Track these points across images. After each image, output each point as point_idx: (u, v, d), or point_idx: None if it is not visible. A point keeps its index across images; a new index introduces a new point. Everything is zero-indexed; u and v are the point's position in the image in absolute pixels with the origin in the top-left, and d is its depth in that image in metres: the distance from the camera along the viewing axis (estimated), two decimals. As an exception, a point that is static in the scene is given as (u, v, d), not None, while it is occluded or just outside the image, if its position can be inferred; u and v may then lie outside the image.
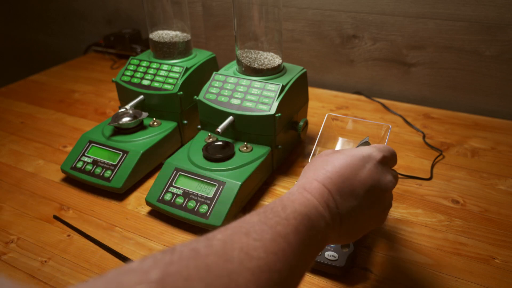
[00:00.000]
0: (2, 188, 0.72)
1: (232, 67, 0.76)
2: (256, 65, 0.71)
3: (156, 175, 0.71)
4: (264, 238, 0.30)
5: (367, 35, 0.99)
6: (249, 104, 0.68)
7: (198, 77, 0.79)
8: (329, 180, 0.39)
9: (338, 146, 0.69)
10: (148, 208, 0.66)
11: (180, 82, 0.76)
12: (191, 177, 0.63)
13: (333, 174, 0.40)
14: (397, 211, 0.64)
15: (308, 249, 0.34)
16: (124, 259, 0.56)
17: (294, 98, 0.73)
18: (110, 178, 0.68)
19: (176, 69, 0.78)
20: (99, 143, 0.72)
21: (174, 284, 0.25)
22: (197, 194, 0.61)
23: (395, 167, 0.74)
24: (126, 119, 0.74)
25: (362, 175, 0.41)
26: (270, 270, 0.29)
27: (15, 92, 1.10)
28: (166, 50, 0.80)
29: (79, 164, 0.71)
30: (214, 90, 0.72)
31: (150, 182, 0.72)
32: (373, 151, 0.44)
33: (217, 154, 0.65)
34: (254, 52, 0.72)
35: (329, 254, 0.52)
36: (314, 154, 0.65)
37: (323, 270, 0.53)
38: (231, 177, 0.62)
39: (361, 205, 0.40)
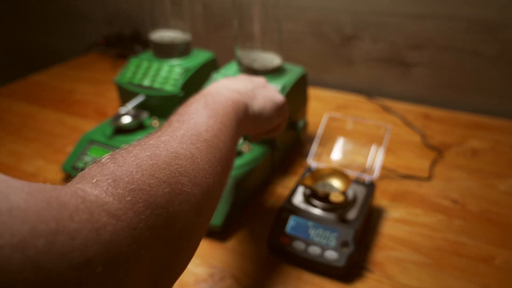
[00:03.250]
0: (2, 188, 0.72)
1: (232, 67, 0.76)
2: (256, 65, 0.71)
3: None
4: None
5: (367, 35, 0.99)
6: (249, 104, 0.68)
7: (199, 78, 0.79)
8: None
9: (337, 146, 0.69)
10: (148, 208, 0.66)
11: (181, 82, 0.76)
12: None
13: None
14: (396, 211, 0.64)
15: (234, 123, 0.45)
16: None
17: (294, 98, 0.73)
18: (110, 178, 0.68)
19: (176, 69, 0.78)
20: (100, 143, 0.72)
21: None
22: (197, 194, 0.62)
23: (396, 168, 0.74)
24: (126, 119, 0.74)
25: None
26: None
27: (15, 92, 1.10)
28: (167, 51, 0.80)
29: (80, 164, 0.71)
30: (214, 90, 0.72)
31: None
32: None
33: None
34: (254, 53, 0.72)
35: (329, 254, 0.52)
36: (314, 154, 0.65)
37: (323, 270, 0.53)
38: (231, 177, 0.62)
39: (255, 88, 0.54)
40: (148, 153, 0.31)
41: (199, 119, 0.40)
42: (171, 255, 0.30)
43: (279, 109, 0.55)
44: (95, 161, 0.31)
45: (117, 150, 0.33)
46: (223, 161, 0.39)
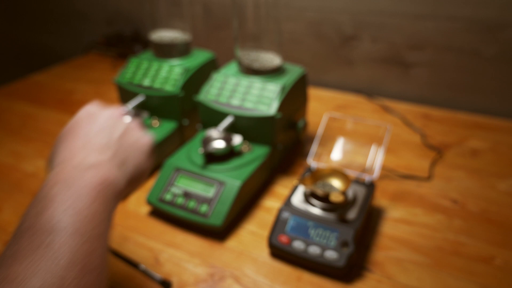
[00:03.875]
0: (2, 188, 0.72)
1: (232, 67, 0.76)
2: (256, 65, 0.71)
3: (156, 175, 0.71)
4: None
5: (366, 35, 0.99)
6: (249, 104, 0.68)
7: (199, 78, 0.79)
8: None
9: (337, 146, 0.69)
10: (148, 208, 0.66)
11: (181, 83, 0.76)
12: (191, 177, 0.64)
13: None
14: (396, 211, 0.64)
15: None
16: (124, 258, 0.56)
17: (294, 98, 0.73)
18: (110, 178, 0.68)
19: (176, 69, 0.78)
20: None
21: None
22: (197, 194, 0.62)
23: (395, 168, 0.74)
24: (126, 119, 0.74)
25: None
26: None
27: (15, 92, 1.10)
28: (167, 51, 0.80)
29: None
30: (214, 91, 0.72)
31: (150, 182, 0.72)
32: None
33: None
34: (254, 53, 0.72)
35: (329, 254, 0.52)
36: (314, 154, 0.65)
37: (323, 270, 0.53)
38: (231, 177, 0.62)
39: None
40: None
41: (58, 244, 0.29)
42: None
43: (150, 156, 0.46)
44: None
45: None
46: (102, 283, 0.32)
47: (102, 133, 0.42)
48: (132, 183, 0.42)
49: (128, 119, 0.46)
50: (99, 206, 0.34)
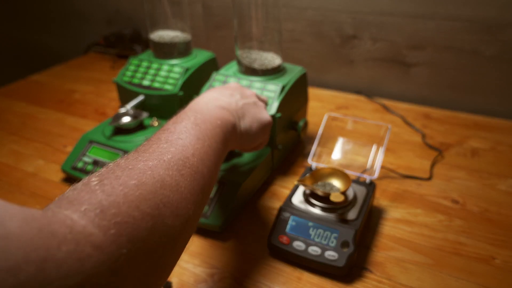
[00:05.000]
0: (2, 188, 0.72)
1: (232, 67, 0.76)
2: (256, 65, 0.71)
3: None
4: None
5: (367, 35, 0.99)
6: (249, 104, 0.68)
7: (199, 78, 0.79)
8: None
9: (338, 146, 0.69)
10: (148, 208, 0.66)
11: (180, 82, 0.76)
12: (191, 177, 0.63)
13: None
14: (396, 211, 0.64)
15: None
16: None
17: (294, 98, 0.73)
18: (110, 178, 0.68)
19: (176, 69, 0.78)
20: (100, 143, 0.72)
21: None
22: (197, 194, 0.61)
23: (396, 168, 0.74)
24: (126, 119, 0.74)
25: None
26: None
27: (15, 92, 1.10)
28: (167, 51, 0.80)
29: (80, 164, 0.71)
30: (214, 90, 0.72)
31: (150, 182, 0.72)
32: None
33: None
34: (254, 53, 0.72)
35: (329, 254, 0.52)
36: (314, 154, 0.65)
37: (323, 270, 0.53)
38: (231, 177, 0.62)
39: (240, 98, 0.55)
40: (135, 182, 0.32)
41: (187, 140, 0.40)
42: (148, 282, 0.31)
43: (264, 129, 0.56)
44: (83, 182, 0.31)
45: (106, 170, 0.33)
46: (206, 187, 0.40)
47: (234, 94, 0.54)
48: (243, 141, 0.53)
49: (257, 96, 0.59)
50: (218, 132, 0.45)
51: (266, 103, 0.61)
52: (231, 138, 0.49)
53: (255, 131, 0.54)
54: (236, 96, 0.54)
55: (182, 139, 0.40)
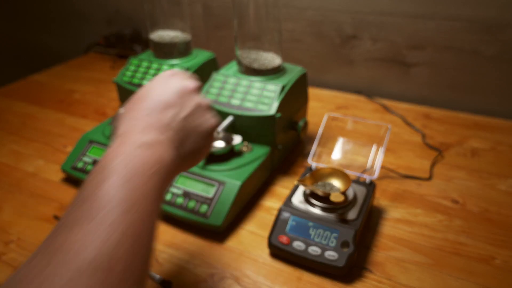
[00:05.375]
0: (2, 188, 0.72)
1: (232, 67, 0.76)
2: (256, 65, 0.71)
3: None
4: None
5: (367, 35, 0.99)
6: (249, 104, 0.68)
7: (199, 77, 0.79)
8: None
9: (337, 146, 0.69)
10: (148, 208, 0.66)
11: (180, 82, 0.76)
12: (191, 177, 0.63)
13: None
14: (396, 211, 0.64)
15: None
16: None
17: (294, 98, 0.73)
18: (110, 178, 0.68)
19: (176, 69, 0.78)
20: (100, 143, 0.72)
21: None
22: (197, 194, 0.62)
23: (396, 168, 0.74)
24: (126, 119, 0.74)
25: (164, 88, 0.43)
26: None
27: (15, 92, 1.10)
28: (167, 51, 0.80)
29: (80, 164, 0.71)
30: (214, 90, 0.72)
31: (150, 182, 0.72)
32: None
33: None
34: (254, 53, 0.72)
35: (329, 254, 0.52)
36: (314, 154, 0.65)
37: (323, 270, 0.53)
38: (231, 177, 0.62)
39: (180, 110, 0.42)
40: None
41: (113, 217, 0.30)
42: None
43: (210, 140, 0.45)
44: None
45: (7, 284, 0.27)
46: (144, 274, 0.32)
47: (169, 109, 0.41)
48: (187, 163, 0.43)
49: (201, 96, 0.45)
50: (153, 185, 0.35)
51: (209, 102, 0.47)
52: (171, 178, 0.39)
53: (199, 148, 0.43)
54: (174, 109, 0.41)
55: (104, 216, 0.30)
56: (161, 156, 0.37)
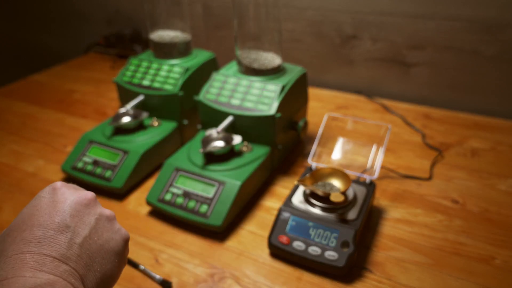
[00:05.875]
0: (2, 188, 0.72)
1: (232, 67, 0.76)
2: (256, 65, 0.71)
3: (156, 175, 0.71)
4: None
5: (367, 35, 0.99)
6: (249, 104, 0.68)
7: (199, 77, 0.79)
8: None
9: (338, 146, 0.69)
10: (148, 208, 0.66)
11: (180, 82, 0.76)
12: (191, 177, 0.63)
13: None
14: (396, 211, 0.64)
15: None
16: (124, 259, 0.56)
17: (294, 98, 0.73)
18: (111, 178, 0.68)
19: (176, 69, 0.78)
20: (100, 143, 0.72)
21: None
22: (197, 194, 0.62)
23: (396, 168, 0.74)
24: (126, 119, 0.74)
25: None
26: None
27: (15, 92, 1.10)
28: (167, 51, 0.80)
29: (80, 164, 0.71)
30: (214, 90, 0.72)
31: (151, 182, 0.72)
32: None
33: None
34: (254, 53, 0.72)
35: (329, 254, 0.52)
36: (314, 154, 0.65)
37: (323, 270, 0.53)
38: (231, 177, 0.62)
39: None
40: None
41: None
42: None
43: (123, 258, 0.36)
44: None
45: None
46: None
47: (64, 232, 0.32)
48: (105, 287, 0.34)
49: (99, 207, 0.36)
50: None
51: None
52: None
53: (112, 269, 0.34)
54: (69, 231, 0.32)
55: None
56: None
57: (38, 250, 0.30)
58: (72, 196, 0.35)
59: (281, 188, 0.70)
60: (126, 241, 0.37)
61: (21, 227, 0.32)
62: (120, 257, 0.36)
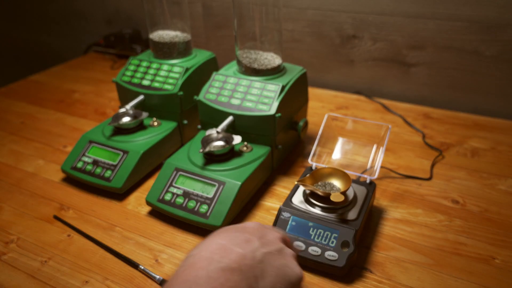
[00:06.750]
0: (2, 188, 0.72)
1: (232, 67, 0.76)
2: (256, 65, 0.71)
3: (156, 175, 0.71)
4: None
5: (367, 35, 0.99)
6: (249, 104, 0.68)
7: (198, 77, 0.79)
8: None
9: (338, 146, 0.69)
10: (148, 208, 0.66)
11: (180, 82, 0.76)
12: (191, 177, 0.63)
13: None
14: (397, 211, 0.64)
15: None
16: (124, 259, 0.56)
17: (294, 98, 0.73)
18: (111, 178, 0.68)
19: (176, 69, 0.78)
20: (100, 143, 0.72)
21: None
22: (197, 194, 0.62)
23: (396, 168, 0.74)
24: (126, 119, 0.74)
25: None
26: None
27: (15, 92, 1.10)
28: (166, 50, 0.80)
29: (80, 164, 0.71)
30: (214, 90, 0.72)
31: (150, 182, 0.72)
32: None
33: None
34: (254, 53, 0.72)
35: (329, 254, 0.52)
36: (314, 154, 0.65)
37: (323, 270, 0.53)
38: (231, 177, 0.62)
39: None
40: None
41: None
42: None
43: None
44: None
45: None
46: None
47: (252, 239, 0.39)
48: None
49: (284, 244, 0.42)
50: None
51: (296, 252, 0.44)
52: None
53: None
54: (254, 244, 0.39)
55: None
56: (236, 283, 0.34)
57: (221, 265, 0.35)
58: (259, 224, 0.43)
59: (281, 188, 0.70)
60: (300, 278, 0.40)
61: (212, 236, 0.40)
62: (291, 286, 0.39)
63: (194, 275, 0.34)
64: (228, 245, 0.37)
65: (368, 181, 0.62)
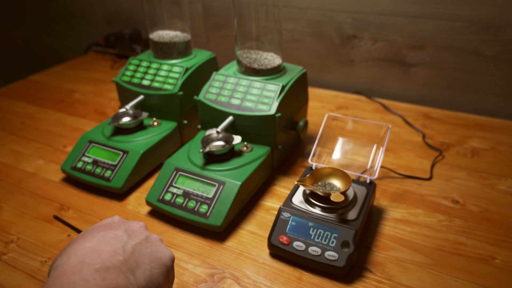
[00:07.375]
0: (2, 188, 0.72)
1: (232, 67, 0.76)
2: (256, 65, 0.71)
3: (156, 175, 0.71)
4: None
5: (367, 35, 0.99)
6: (249, 104, 0.68)
7: (198, 77, 0.79)
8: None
9: (338, 146, 0.69)
10: (148, 208, 0.66)
11: (180, 82, 0.76)
12: (191, 177, 0.63)
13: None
14: (397, 211, 0.64)
15: None
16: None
17: (294, 98, 0.73)
18: (110, 178, 0.68)
19: (176, 69, 0.78)
20: (99, 143, 0.72)
21: None
22: (197, 194, 0.62)
23: (396, 168, 0.74)
24: (126, 119, 0.74)
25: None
26: None
27: (15, 92, 1.10)
28: (166, 50, 0.80)
29: (79, 164, 0.71)
30: (214, 90, 0.72)
31: (150, 182, 0.72)
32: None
33: None
34: (254, 52, 0.72)
35: (329, 254, 0.52)
36: (314, 154, 0.65)
37: (323, 270, 0.53)
38: (231, 177, 0.62)
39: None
40: None
41: None
42: None
43: (168, 271, 0.42)
44: None
45: None
46: None
47: (117, 238, 0.40)
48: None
49: (149, 234, 0.44)
50: None
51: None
52: None
53: (157, 278, 0.40)
54: (122, 238, 0.40)
55: None
56: (112, 282, 0.35)
57: (93, 252, 0.37)
58: (127, 222, 0.44)
59: (281, 188, 0.70)
60: (172, 258, 0.43)
61: (76, 241, 0.40)
62: (167, 269, 0.42)
63: (67, 282, 0.33)
64: (96, 246, 0.37)
65: (368, 181, 0.62)
